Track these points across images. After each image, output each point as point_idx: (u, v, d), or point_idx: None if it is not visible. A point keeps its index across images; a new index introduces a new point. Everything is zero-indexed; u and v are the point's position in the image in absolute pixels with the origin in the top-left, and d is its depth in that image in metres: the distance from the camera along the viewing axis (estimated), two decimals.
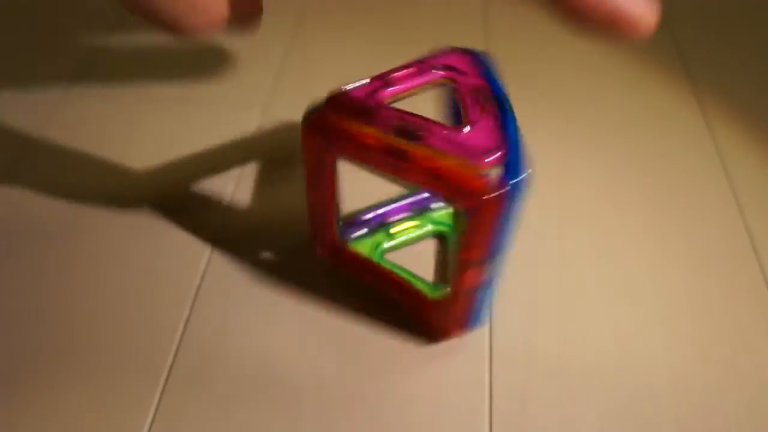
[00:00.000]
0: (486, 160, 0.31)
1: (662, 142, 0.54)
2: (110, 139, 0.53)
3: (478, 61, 0.38)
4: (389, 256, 0.44)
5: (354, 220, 0.45)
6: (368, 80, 0.36)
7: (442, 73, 0.37)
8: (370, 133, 0.34)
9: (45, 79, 0.58)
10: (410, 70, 0.37)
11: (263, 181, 0.50)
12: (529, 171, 0.32)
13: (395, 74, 0.37)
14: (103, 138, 0.53)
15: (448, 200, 0.33)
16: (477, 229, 0.32)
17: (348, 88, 0.36)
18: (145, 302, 0.42)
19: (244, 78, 0.59)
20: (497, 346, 0.40)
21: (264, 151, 0.52)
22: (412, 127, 0.33)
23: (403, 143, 0.33)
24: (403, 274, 0.42)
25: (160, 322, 0.41)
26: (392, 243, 0.44)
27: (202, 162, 0.51)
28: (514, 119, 0.34)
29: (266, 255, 0.45)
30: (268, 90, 0.58)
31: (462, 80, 0.36)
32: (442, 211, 0.46)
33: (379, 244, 0.44)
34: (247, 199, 0.48)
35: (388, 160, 0.34)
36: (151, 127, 0.54)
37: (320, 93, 0.58)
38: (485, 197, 0.31)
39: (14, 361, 0.39)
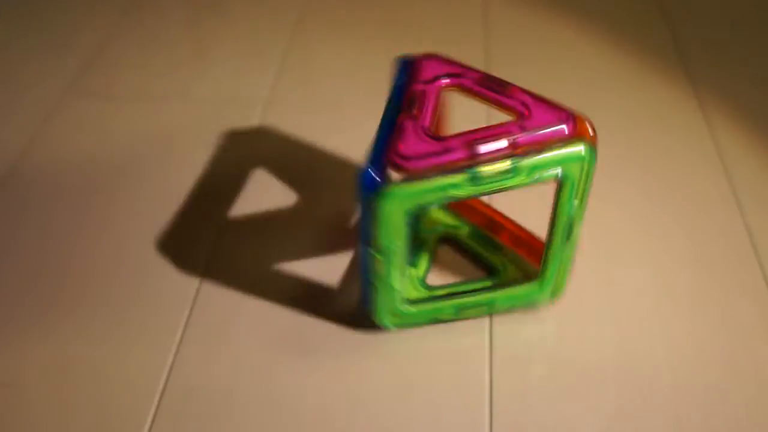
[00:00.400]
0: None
1: (662, 141, 0.54)
2: (112, 138, 0.53)
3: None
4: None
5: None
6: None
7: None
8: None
9: (45, 77, 0.58)
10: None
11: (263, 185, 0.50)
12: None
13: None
14: (105, 138, 0.53)
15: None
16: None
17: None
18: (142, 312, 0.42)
19: (244, 76, 0.59)
20: (497, 345, 0.40)
21: (265, 150, 0.52)
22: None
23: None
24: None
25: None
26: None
27: (203, 161, 0.51)
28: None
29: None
30: (269, 88, 0.58)
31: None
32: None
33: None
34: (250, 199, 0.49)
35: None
36: (151, 125, 0.54)
37: (321, 92, 0.58)
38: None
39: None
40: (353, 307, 0.42)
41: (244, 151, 0.52)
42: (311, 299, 0.42)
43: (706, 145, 0.53)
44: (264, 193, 0.49)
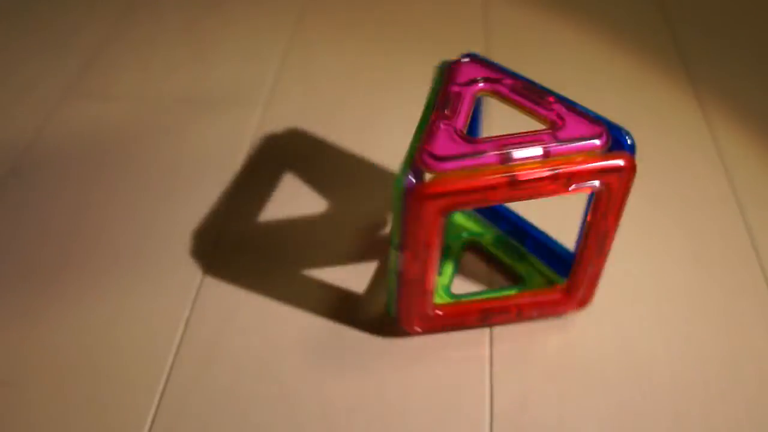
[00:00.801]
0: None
1: (662, 141, 0.54)
2: (109, 140, 0.53)
3: (488, 63, 0.38)
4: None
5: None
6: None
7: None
8: (490, 172, 0.33)
9: (45, 77, 0.58)
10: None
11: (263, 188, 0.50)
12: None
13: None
14: (104, 139, 0.53)
15: (595, 182, 0.34)
16: (616, 197, 0.35)
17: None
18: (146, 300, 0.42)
19: (244, 77, 0.59)
20: (497, 346, 0.40)
21: (265, 150, 0.52)
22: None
23: (524, 166, 0.33)
24: (511, 291, 0.41)
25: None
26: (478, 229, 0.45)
27: (202, 162, 0.51)
28: (565, 98, 0.36)
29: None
30: (269, 88, 0.58)
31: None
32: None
33: (459, 236, 0.45)
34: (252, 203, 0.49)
35: (514, 191, 0.33)
36: (152, 126, 0.54)
37: (321, 92, 0.58)
38: (626, 163, 0.34)
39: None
40: (375, 312, 0.42)
41: (244, 151, 0.52)
42: (319, 303, 0.42)
43: (706, 145, 0.53)
44: (265, 194, 0.49)
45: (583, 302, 0.40)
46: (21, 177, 0.50)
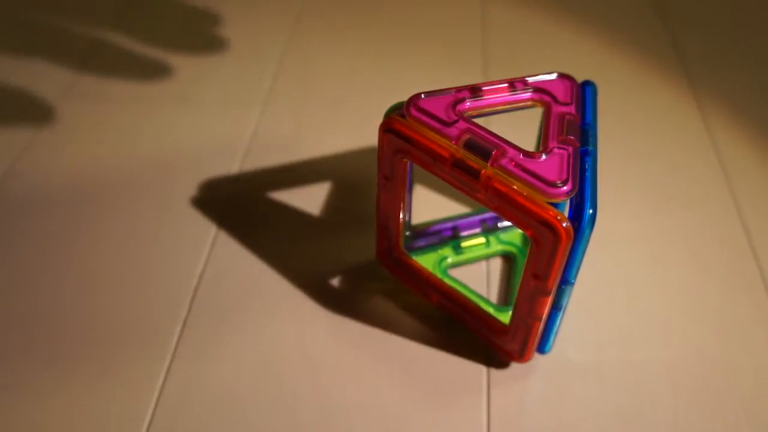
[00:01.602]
0: (555, 191, 0.31)
1: (661, 143, 0.54)
2: (109, 137, 0.53)
3: (578, 90, 0.36)
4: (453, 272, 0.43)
5: (423, 231, 0.44)
6: (454, 89, 0.35)
7: (532, 95, 0.35)
8: (443, 144, 0.33)
9: (44, 76, 0.58)
10: (502, 86, 0.36)
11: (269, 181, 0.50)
12: (592, 212, 0.31)
13: (484, 87, 0.35)
14: (101, 139, 0.53)
15: (516, 225, 0.32)
16: (543, 258, 0.31)
17: (432, 93, 0.35)
18: (146, 296, 0.42)
19: (243, 77, 0.59)
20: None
21: (262, 150, 0.52)
22: (485, 145, 0.32)
23: (473, 160, 0.32)
24: (469, 294, 0.41)
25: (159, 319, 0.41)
26: (459, 258, 0.44)
27: (198, 161, 0.51)
28: (593, 155, 0.33)
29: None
30: (267, 89, 0.58)
31: (554, 106, 0.34)
32: (512, 231, 0.45)
33: (444, 258, 0.43)
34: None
35: (456, 175, 0.33)
36: (151, 125, 0.54)
37: (319, 92, 0.58)
38: (553, 228, 0.30)
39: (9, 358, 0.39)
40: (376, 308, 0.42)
41: (241, 151, 0.52)
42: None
43: (704, 147, 0.53)
44: (262, 194, 0.49)
45: (519, 358, 0.38)
46: (21, 179, 0.50)
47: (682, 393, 0.38)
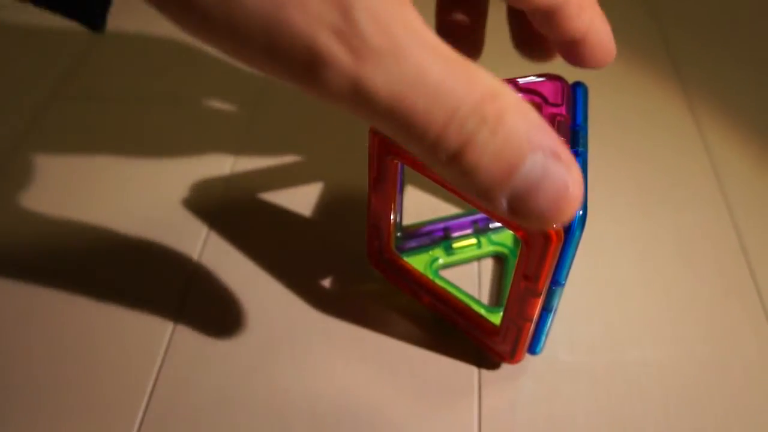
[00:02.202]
0: None
1: (652, 143, 0.54)
2: (100, 144, 0.53)
3: (569, 91, 0.36)
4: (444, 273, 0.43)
5: (414, 232, 0.44)
6: None
7: (523, 97, 0.35)
8: None
9: (29, 82, 0.58)
10: None
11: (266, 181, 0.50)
12: (581, 213, 0.31)
13: None
14: (92, 138, 0.53)
15: (506, 226, 0.32)
16: (533, 259, 0.31)
17: None
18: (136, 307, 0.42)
19: (235, 78, 0.59)
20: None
21: (257, 149, 0.52)
22: None
23: None
24: (460, 295, 0.41)
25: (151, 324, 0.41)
26: (450, 259, 0.44)
27: (194, 161, 0.51)
28: (583, 156, 0.33)
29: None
30: (260, 89, 0.58)
31: (544, 108, 0.35)
32: (503, 232, 0.45)
33: (435, 260, 0.43)
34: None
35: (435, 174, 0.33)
36: (141, 126, 0.54)
37: None
38: (545, 231, 0.30)
39: None
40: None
41: (235, 150, 0.52)
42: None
43: (696, 147, 0.53)
44: (257, 193, 0.49)
45: (510, 359, 0.38)
46: (8, 177, 0.49)
47: (673, 393, 0.38)
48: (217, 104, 0.56)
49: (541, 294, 0.33)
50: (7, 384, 0.38)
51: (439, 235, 0.44)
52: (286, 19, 0.19)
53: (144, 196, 0.48)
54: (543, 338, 0.38)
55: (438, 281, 0.42)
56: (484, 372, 0.39)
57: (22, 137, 0.53)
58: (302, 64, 0.20)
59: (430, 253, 0.44)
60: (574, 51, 0.30)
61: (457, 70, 0.20)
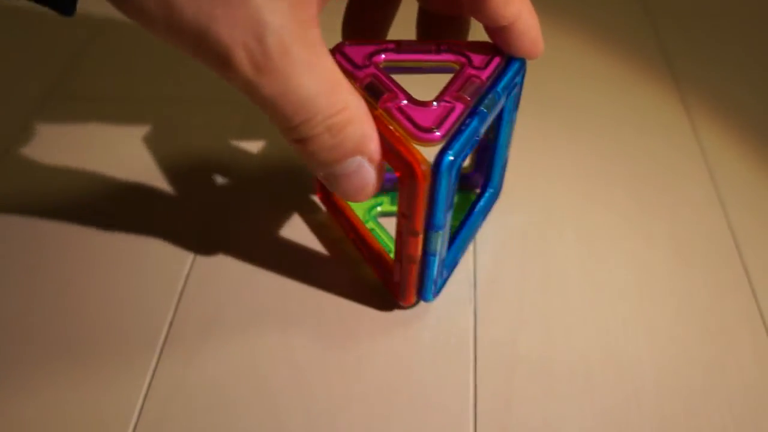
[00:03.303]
0: (424, 136, 0.33)
1: (646, 141, 0.54)
2: (95, 138, 0.53)
3: (501, 62, 0.38)
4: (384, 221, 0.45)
5: None
6: (380, 41, 0.38)
7: (452, 56, 0.38)
8: (353, 84, 0.35)
9: (27, 81, 0.58)
10: (425, 46, 0.38)
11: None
12: (452, 159, 0.33)
13: (407, 44, 0.38)
14: (88, 138, 0.53)
15: (390, 165, 0.34)
16: (405, 197, 0.34)
17: (359, 42, 0.38)
18: (132, 299, 0.42)
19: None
20: (482, 347, 0.40)
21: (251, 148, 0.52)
22: (379, 89, 0.35)
23: (369, 102, 0.34)
24: (379, 237, 0.43)
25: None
26: (392, 208, 0.45)
27: (191, 159, 0.51)
28: (483, 115, 0.35)
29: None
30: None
31: (467, 68, 0.37)
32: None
33: (377, 205, 0.45)
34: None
35: None
36: (139, 126, 0.54)
37: None
38: (411, 169, 0.32)
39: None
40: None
41: (231, 149, 0.52)
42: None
43: (690, 145, 0.53)
44: (254, 193, 0.49)
45: (401, 299, 0.40)
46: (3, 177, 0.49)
47: (668, 393, 0.38)
48: (212, 104, 0.56)
49: (419, 234, 0.35)
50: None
51: (389, 185, 0.45)
52: (214, 32, 0.26)
53: (139, 190, 0.48)
54: (432, 286, 0.39)
55: (369, 223, 0.43)
56: (480, 369, 0.38)
57: (15, 137, 0.53)
58: (216, 62, 0.27)
59: (377, 198, 0.45)
60: (503, 37, 0.34)
61: (326, 88, 0.28)
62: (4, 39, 0.63)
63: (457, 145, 0.33)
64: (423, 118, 0.34)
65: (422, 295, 0.40)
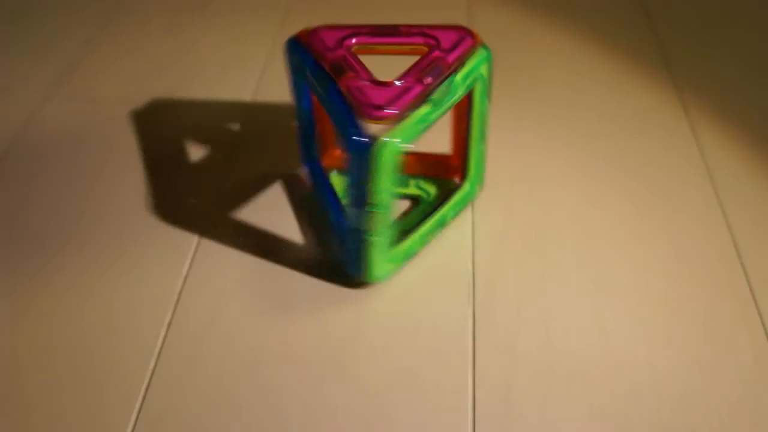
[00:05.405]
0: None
1: (644, 142, 0.53)
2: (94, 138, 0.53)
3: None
4: None
5: None
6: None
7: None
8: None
9: (27, 82, 0.58)
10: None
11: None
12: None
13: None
14: (86, 138, 0.53)
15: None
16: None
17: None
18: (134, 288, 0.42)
19: (228, 80, 0.59)
20: (481, 347, 0.40)
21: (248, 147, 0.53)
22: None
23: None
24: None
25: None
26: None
27: (188, 159, 0.51)
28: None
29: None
30: (252, 91, 0.58)
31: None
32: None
33: None
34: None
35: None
36: (137, 125, 0.54)
37: None
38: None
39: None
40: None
41: (228, 148, 0.52)
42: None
43: (689, 147, 0.53)
44: (252, 192, 0.49)
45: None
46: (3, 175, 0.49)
47: (666, 394, 0.38)
48: (210, 104, 0.56)
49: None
50: None
51: None
52: None
53: (136, 189, 0.48)
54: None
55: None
56: (479, 369, 0.38)
57: (15, 137, 0.53)
58: None
59: None
60: None
61: None
62: (4, 39, 0.63)
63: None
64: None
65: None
